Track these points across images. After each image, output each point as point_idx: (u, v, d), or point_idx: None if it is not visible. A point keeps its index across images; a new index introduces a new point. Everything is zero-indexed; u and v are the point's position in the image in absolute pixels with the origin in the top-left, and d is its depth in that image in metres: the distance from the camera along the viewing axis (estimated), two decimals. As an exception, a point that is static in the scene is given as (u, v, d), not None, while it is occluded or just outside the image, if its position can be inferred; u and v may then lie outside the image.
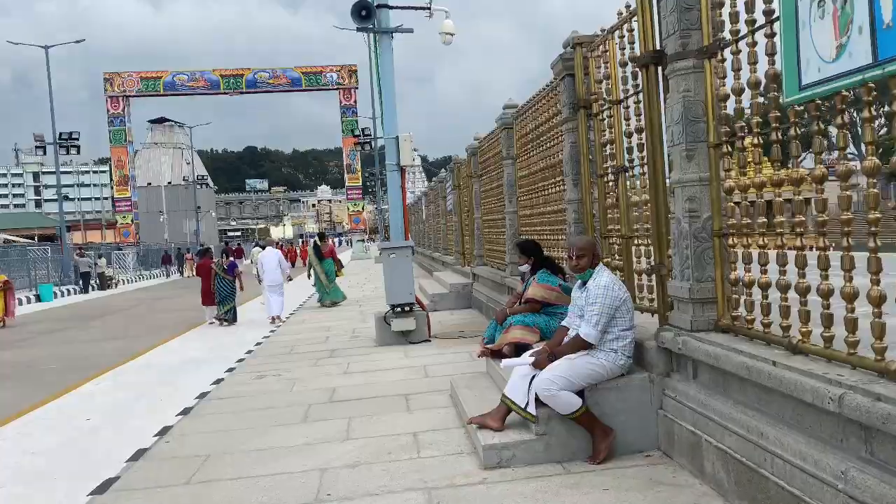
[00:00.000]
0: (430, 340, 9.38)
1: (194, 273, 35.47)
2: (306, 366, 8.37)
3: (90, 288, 31.33)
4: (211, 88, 49.23)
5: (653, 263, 4.67)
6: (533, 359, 4.44)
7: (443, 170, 20.67)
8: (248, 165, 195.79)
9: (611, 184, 5.66)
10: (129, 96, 48.96)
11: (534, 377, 4.34)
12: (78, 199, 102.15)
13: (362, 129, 34.65)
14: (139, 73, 48.67)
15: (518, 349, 5.86)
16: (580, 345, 4.31)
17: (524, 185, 9.00)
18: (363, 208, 52.50)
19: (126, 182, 48.88)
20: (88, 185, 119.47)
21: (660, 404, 4.39)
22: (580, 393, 4.28)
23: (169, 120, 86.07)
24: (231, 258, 14.73)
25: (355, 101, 49.52)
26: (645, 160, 4.88)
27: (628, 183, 5.37)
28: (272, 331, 12.13)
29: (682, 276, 4.19)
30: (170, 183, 79.04)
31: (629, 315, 4.37)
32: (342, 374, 7.66)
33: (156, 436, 5.76)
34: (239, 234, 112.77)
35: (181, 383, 8.17)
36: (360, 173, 50.97)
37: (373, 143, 35.12)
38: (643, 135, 4.91)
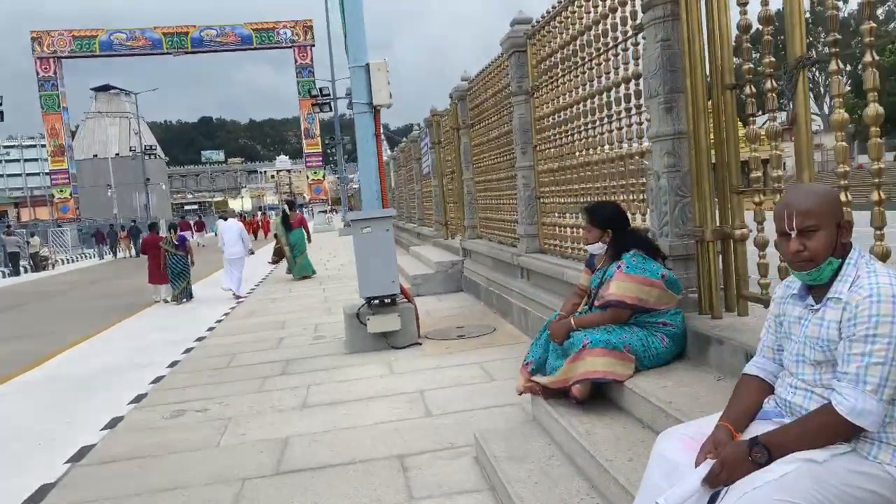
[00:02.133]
0: (420, 343, 6.93)
1: (134, 252, 32.23)
2: (248, 390, 5.85)
3: (22, 270, 28.23)
4: (153, 48, 44.90)
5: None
6: (705, 469, 1.97)
7: (415, 127, 18.05)
8: (203, 136, 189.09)
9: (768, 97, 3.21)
10: (61, 57, 44.31)
11: (716, 497, 1.91)
12: (24, 175, 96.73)
13: (320, 89, 31.58)
14: (71, 31, 43.97)
15: (594, 388, 3.47)
16: (838, 429, 1.89)
17: (546, 129, 6.52)
18: (324, 177, 49.31)
19: (62, 152, 44.54)
20: (36, 160, 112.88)
21: None
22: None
23: (114, 87, 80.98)
24: (180, 232, 13.60)
25: (311, 61, 45.77)
26: None
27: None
28: (210, 329, 9.52)
29: None
30: (117, 154, 74.50)
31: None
32: (299, 410, 5.16)
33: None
34: (196, 206, 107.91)
35: (67, 422, 5.62)
36: (319, 139, 47.57)
37: (332, 105, 32.11)
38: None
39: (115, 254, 33.25)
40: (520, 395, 3.90)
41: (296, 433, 4.58)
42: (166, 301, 12.99)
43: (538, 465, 3.24)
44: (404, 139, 20.18)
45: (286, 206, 15.91)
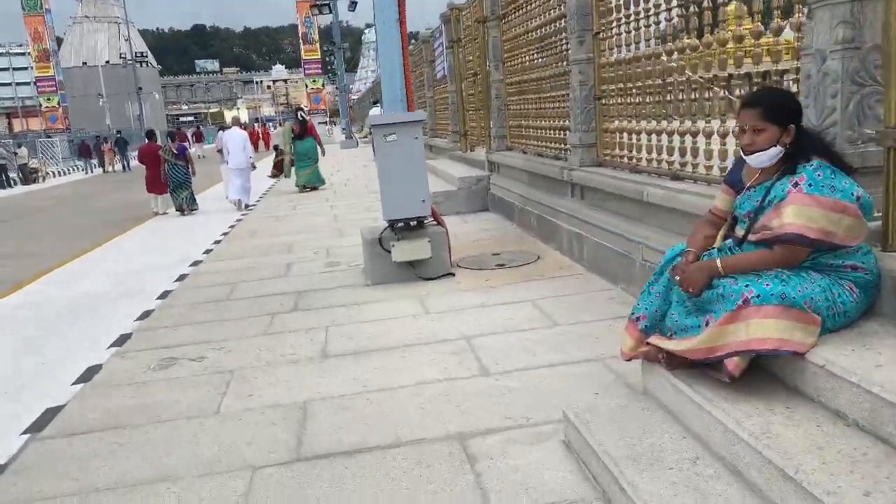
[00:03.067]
0: (453, 274, 5.88)
1: (120, 167, 30.73)
2: (253, 332, 4.84)
3: (11, 182, 27.13)
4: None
5: None
6: None
7: (421, 33, 16.39)
8: (196, 45, 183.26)
9: None
10: (39, -49, 41.54)
11: None
12: (14, 84, 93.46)
13: (319, -11, 29.37)
14: (49, -77, 41.08)
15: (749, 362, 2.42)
16: None
17: (614, 10, 5.24)
18: (323, 85, 47.16)
19: (47, 57, 42.27)
20: (25, 68, 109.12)
21: None
22: None
23: (100, -11, 77.09)
24: (179, 141, 13.00)
25: (310, -42, 42.89)
26: None
27: None
28: (207, 251, 8.49)
29: None
30: (108, 62, 71.57)
31: None
32: (318, 361, 4.15)
33: None
34: (192, 118, 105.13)
35: (39, 365, 4.67)
36: (317, 45, 45.17)
37: (332, 6, 29.97)
38: None
39: (103, 167, 31.79)
40: (627, 360, 2.87)
41: (318, 395, 3.59)
42: (166, 213, 12.59)
43: (682, 474, 2.23)
44: (412, 42, 18.51)
45: (302, 114, 15.06)
